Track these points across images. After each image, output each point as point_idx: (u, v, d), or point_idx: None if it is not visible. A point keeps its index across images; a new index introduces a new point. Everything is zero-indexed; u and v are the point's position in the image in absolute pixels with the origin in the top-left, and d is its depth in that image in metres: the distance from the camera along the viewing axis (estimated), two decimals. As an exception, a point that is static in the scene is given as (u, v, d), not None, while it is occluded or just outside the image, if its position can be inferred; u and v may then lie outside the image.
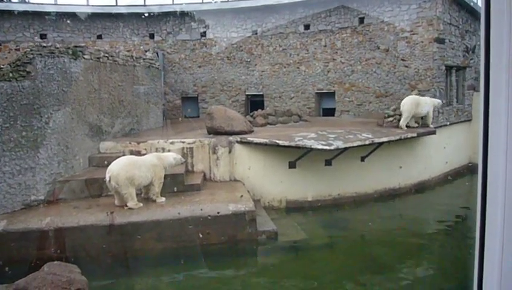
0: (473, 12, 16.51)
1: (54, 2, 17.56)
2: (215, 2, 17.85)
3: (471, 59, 16.83)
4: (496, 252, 1.28)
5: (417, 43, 14.29)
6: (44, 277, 6.12)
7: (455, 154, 15.36)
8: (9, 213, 8.35)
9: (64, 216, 8.12)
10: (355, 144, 10.60)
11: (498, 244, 1.28)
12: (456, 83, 16.10)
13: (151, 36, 18.39)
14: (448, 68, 15.26)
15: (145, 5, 18.24)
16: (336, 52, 16.43)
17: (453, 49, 15.19)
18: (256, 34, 17.87)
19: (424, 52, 14.16)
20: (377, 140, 11.12)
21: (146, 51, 17.29)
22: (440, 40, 14.13)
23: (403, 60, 14.70)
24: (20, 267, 7.31)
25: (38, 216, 8.14)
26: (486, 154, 1.27)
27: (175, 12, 18.14)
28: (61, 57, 9.62)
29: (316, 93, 17.20)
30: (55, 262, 7.01)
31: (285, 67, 17.55)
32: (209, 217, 8.35)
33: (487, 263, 1.29)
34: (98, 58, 11.25)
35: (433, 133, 13.04)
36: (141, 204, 8.55)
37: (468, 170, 15.87)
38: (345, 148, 10.55)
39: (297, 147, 10.44)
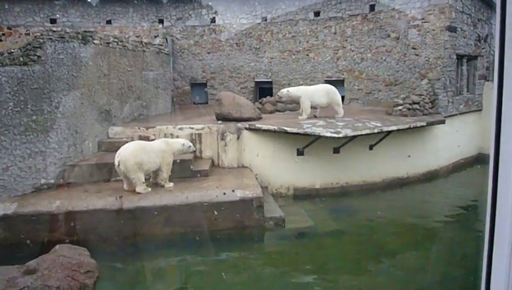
0: (485, 1, 16.27)
1: (63, -14, 17.54)
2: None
3: (483, 48, 16.62)
4: (505, 243, 1.28)
5: (428, 31, 14.11)
6: (54, 259, 6.23)
7: (465, 144, 15.27)
8: (20, 196, 8.46)
9: (73, 200, 8.22)
10: (363, 132, 10.57)
11: (508, 236, 1.28)
12: (467, 72, 15.92)
13: (161, 22, 18.34)
14: (460, 57, 15.09)
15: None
16: (346, 40, 16.31)
17: (464, 37, 15.00)
18: (265, 20, 17.75)
19: (435, 41, 13.99)
20: (385, 128, 11.08)
21: (155, 37, 17.25)
22: (452, 29, 13.95)
23: (413, 48, 14.55)
24: (30, 249, 7.45)
25: (48, 199, 8.25)
26: (498, 146, 1.26)
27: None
28: (71, 41, 9.65)
29: (325, 80, 17.08)
30: (65, 245, 7.13)
31: (294, 54, 17.46)
32: (217, 203, 8.42)
33: (496, 254, 1.30)
34: (107, 43, 11.27)
35: (443, 122, 12.97)
36: (149, 189, 8.63)
37: (478, 160, 15.78)
38: (354, 136, 10.52)
39: (306, 135, 10.43)
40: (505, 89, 1.21)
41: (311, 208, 10.43)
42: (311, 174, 11.38)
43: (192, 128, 11.15)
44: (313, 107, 12.34)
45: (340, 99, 12.49)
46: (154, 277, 7.26)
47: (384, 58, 15.40)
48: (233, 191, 8.70)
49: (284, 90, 12.51)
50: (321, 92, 12.22)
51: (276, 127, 10.77)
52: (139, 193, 8.45)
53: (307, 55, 17.23)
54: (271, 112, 13.94)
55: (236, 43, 18.23)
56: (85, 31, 10.52)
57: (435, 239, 9.41)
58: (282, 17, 17.44)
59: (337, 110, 12.46)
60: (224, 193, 8.60)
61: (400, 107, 13.09)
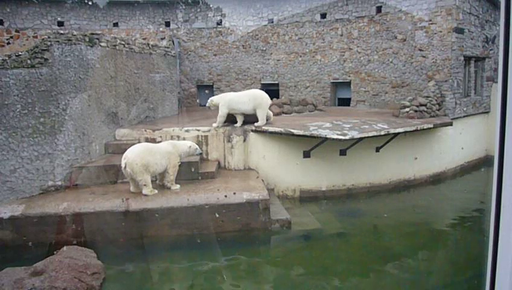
0: (493, 2, 16.19)
1: (71, -10, 17.67)
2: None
3: (491, 49, 16.54)
4: (510, 246, 1.27)
5: (435, 33, 14.06)
6: (62, 261, 6.26)
7: (472, 146, 15.19)
8: (28, 198, 8.53)
9: (80, 202, 8.26)
10: (370, 134, 10.54)
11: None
12: (474, 74, 15.85)
13: (167, 24, 18.41)
14: (467, 59, 15.02)
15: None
16: (352, 42, 16.28)
17: (472, 39, 14.93)
18: (272, 22, 17.77)
19: (443, 42, 13.93)
20: (392, 130, 11.04)
21: (162, 39, 17.32)
22: (459, 30, 13.89)
23: (420, 50, 14.50)
24: (38, 251, 7.49)
25: (56, 201, 8.29)
26: (502, 147, 1.26)
27: (191, 0, 18.12)
28: (78, 44, 9.70)
29: (332, 82, 17.10)
30: (72, 246, 7.17)
31: (300, 56, 17.46)
32: (223, 205, 8.42)
33: (501, 255, 1.29)
34: (114, 45, 11.32)
35: (450, 124, 12.91)
36: (156, 191, 8.65)
37: (485, 162, 15.68)
38: (360, 139, 10.50)
39: (312, 137, 10.41)
40: (510, 91, 1.20)
41: (318, 210, 10.41)
42: (318, 177, 11.36)
43: (198, 130, 11.17)
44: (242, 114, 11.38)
45: (267, 105, 11.34)
46: (161, 278, 7.26)
47: (391, 60, 15.36)
48: (234, 193, 8.69)
49: (209, 100, 11.46)
50: (244, 98, 11.15)
51: (282, 129, 10.76)
52: (145, 195, 8.48)
53: (314, 57, 17.22)
54: (277, 114, 13.92)
55: (243, 45, 18.26)
56: (92, 34, 10.58)
57: (441, 242, 9.36)
58: (288, 19, 17.45)
59: (257, 116, 11.24)
60: (226, 196, 8.60)
61: (407, 109, 13.03)
